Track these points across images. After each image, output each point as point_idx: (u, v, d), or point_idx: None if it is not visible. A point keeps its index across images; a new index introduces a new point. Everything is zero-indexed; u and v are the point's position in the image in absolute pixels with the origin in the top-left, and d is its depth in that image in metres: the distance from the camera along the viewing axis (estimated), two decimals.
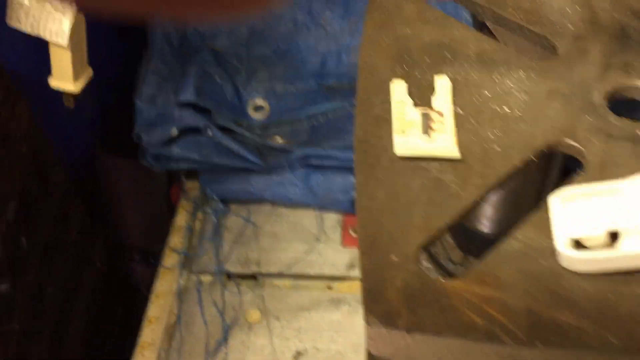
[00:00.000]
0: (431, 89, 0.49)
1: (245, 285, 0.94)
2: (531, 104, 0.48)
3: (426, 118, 0.47)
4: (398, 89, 0.49)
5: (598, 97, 0.48)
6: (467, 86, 0.50)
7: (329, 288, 0.91)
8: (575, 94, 0.49)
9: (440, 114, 0.47)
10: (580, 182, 0.43)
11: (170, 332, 0.85)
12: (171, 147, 1.15)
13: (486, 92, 0.49)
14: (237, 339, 0.84)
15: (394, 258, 0.41)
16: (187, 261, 0.98)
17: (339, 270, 1.03)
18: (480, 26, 0.57)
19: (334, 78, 1.27)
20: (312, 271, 1.01)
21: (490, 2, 0.56)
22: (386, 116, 0.48)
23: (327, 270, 1.00)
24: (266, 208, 1.15)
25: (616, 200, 0.40)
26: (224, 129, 1.16)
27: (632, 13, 0.54)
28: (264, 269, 0.97)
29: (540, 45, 0.53)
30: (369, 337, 0.40)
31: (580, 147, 0.45)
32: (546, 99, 0.49)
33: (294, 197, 1.14)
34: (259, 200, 1.15)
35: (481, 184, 0.44)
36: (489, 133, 0.47)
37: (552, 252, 0.40)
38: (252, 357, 0.82)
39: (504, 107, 0.48)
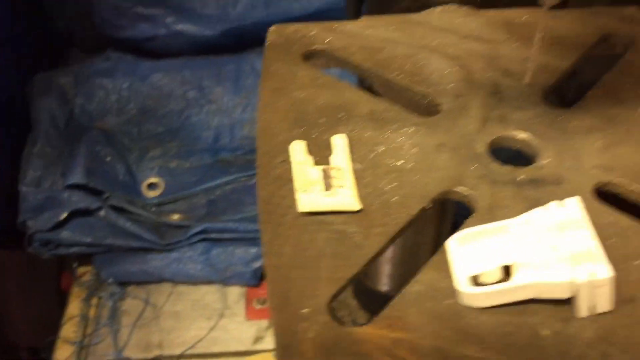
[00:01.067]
0: (329, 148, 0.52)
1: None
2: (422, 156, 0.51)
3: (326, 175, 0.49)
4: (297, 149, 0.51)
5: (480, 147, 0.52)
6: (362, 143, 0.52)
7: None
8: (460, 145, 0.52)
9: (340, 170, 0.49)
10: (472, 224, 0.46)
11: None
12: (60, 232, 1.10)
13: (380, 147, 0.52)
14: None
15: (306, 311, 0.41)
16: (83, 352, 0.92)
17: (245, 345, 1.01)
18: (368, 88, 0.60)
19: (228, 152, 1.28)
20: (216, 349, 0.99)
21: (377, 67, 0.60)
22: (288, 176, 0.49)
23: (233, 346, 0.98)
24: (166, 287, 1.12)
25: (506, 238, 0.43)
26: (118, 209, 1.13)
27: (503, 72, 0.59)
28: (166, 352, 0.94)
29: (426, 103, 0.57)
30: None
31: (469, 194, 0.49)
32: (435, 151, 0.52)
33: (194, 273, 1.12)
34: (158, 279, 1.11)
35: (383, 233, 0.46)
36: (386, 185, 0.49)
37: (453, 291, 0.42)
38: None
39: (398, 161, 0.51)
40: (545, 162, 0.51)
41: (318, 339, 0.40)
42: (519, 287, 0.40)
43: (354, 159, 0.51)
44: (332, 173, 0.49)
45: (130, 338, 1.00)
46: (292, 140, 0.52)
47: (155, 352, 0.94)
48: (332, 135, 0.53)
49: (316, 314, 0.41)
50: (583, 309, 0.40)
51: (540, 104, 0.56)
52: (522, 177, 0.50)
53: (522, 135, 0.53)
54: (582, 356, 0.39)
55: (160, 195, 1.22)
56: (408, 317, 0.41)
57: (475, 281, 0.41)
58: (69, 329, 1.00)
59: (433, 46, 0.61)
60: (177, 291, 1.13)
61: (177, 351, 1.00)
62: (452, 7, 0.67)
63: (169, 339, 1.02)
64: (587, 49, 0.61)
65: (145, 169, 1.25)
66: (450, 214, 0.73)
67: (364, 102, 0.56)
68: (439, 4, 0.66)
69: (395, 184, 0.49)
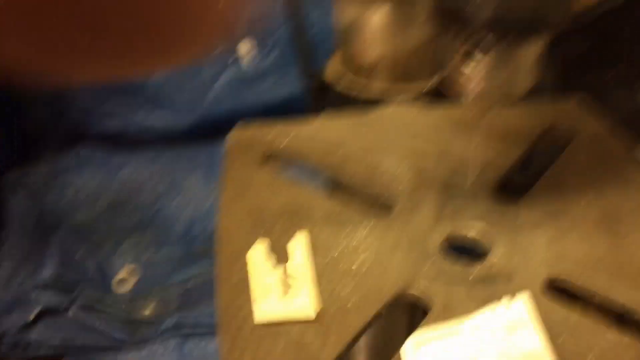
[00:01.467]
0: (286, 253, 0.53)
1: None
2: (376, 258, 0.53)
3: (283, 281, 0.50)
4: (255, 255, 0.52)
5: (433, 246, 0.54)
6: (319, 247, 0.54)
7: None
8: (414, 245, 0.54)
9: (297, 276, 0.50)
10: (427, 324, 0.47)
11: None
12: (29, 333, 1.08)
13: (336, 251, 0.53)
14: None
15: None
16: None
17: None
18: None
19: (201, 242, 1.28)
20: None
21: (332, 169, 0.62)
22: (246, 283, 0.50)
23: None
24: None
25: (458, 347, 0.43)
26: (87, 308, 1.12)
27: (453, 169, 0.61)
28: None
29: (379, 205, 0.59)
30: None
31: (423, 296, 0.50)
32: (389, 252, 0.53)
33: None
34: None
35: (338, 342, 0.46)
36: (342, 290, 0.50)
37: None
38: None
39: (353, 264, 0.52)
40: (496, 258, 0.53)
41: None
42: None
43: (311, 264, 0.52)
44: (290, 279, 0.50)
45: None
46: (250, 246, 0.53)
47: None
48: (290, 239, 0.54)
49: None
50: None
51: (489, 200, 0.58)
52: (473, 276, 0.51)
53: (472, 232, 0.55)
54: None
55: (132, 290, 1.21)
56: None
57: None
58: None
59: (384, 147, 0.64)
60: None
61: None
62: (404, 105, 0.71)
63: None
64: (532, 143, 0.64)
65: (116, 264, 1.24)
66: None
67: (320, 205, 0.58)
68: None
69: (350, 288, 0.50)
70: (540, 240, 0.54)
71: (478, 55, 0.50)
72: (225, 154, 0.64)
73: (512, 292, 0.49)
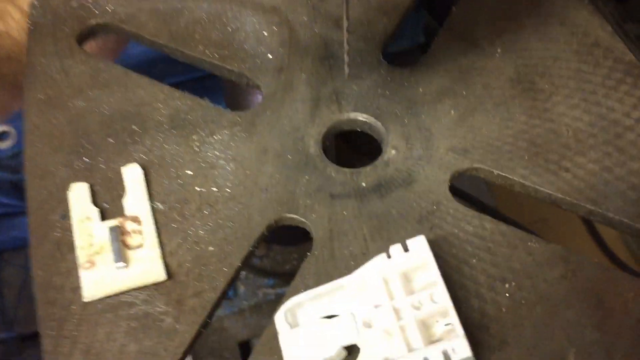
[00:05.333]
0: (121, 184, 0.40)
1: None
2: (242, 175, 0.41)
3: (117, 234, 0.37)
4: (78, 196, 0.39)
5: (314, 145, 0.42)
6: (164, 166, 0.41)
7: None
8: (288, 147, 0.42)
9: (137, 221, 0.38)
10: (311, 264, 0.37)
11: None
12: None
13: (188, 170, 0.41)
14: None
15: None
16: None
17: None
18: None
19: None
20: None
21: (175, 42, 0.46)
22: (70, 239, 0.38)
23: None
24: None
25: (348, 301, 0.34)
26: None
27: (333, 22, 0.47)
28: None
29: (245, 85, 0.45)
30: None
31: (304, 220, 0.39)
32: (258, 163, 0.41)
33: None
34: None
35: (199, 305, 0.36)
36: (199, 229, 0.39)
37: None
38: None
39: (212, 187, 0.40)
40: (392, 154, 0.41)
41: None
42: None
43: (155, 196, 0.40)
44: (128, 227, 0.38)
45: (18, 311, 0.91)
46: (72, 180, 0.40)
47: None
48: (124, 161, 0.41)
49: None
50: None
51: (379, 67, 0.45)
52: (365, 182, 0.40)
53: (360, 117, 0.43)
54: None
55: (15, 145, 1.07)
56: None
57: None
58: None
59: (241, 5, 0.48)
60: None
61: None
62: None
63: None
64: None
65: None
66: None
67: (163, 100, 0.44)
68: None
69: (210, 224, 0.39)
70: (445, 120, 0.43)
71: None
72: (29, 38, 0.47)
73: (414, 203, 0.39)
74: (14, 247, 1.00)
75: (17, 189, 1.00)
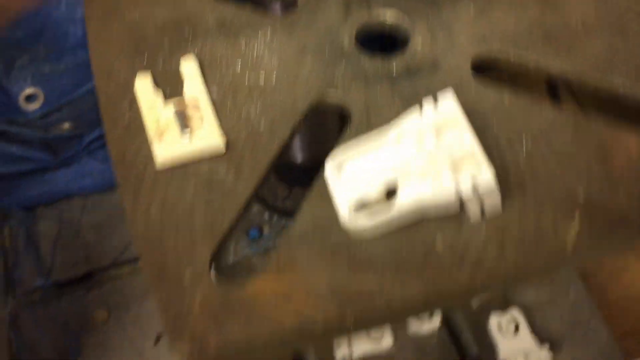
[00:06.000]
0: (179, 76, 0.45)
1: (82, 289, 0.87)
2: (284, 66, 0.46)
3: (181, 115, 0.43)
4: (143, 86, 0.45)
5: (347, 41, 0.47)
6: (216, 62, 0.46)
7: None
8: (324, 43, 0.47)
9: (196, 105, 0.44)
10: (350, 134, 0.42)
11: None
12: None
13: (237, 65, 0.46)
14: (90, 344, 0.80)
15: (187, 280, 0.38)
16: (9, 285, 0.89)
17: None
18: None
19: None
20: None
21: None
22: (138, 122, 0.43)
23: None
24: (77, 201, 1.06)
25: (384, 152, 0.39)
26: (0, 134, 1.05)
27: None
28: (95, 265, 0.90)
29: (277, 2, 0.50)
30: None
31: (343, 100, 0.44)
32: (298, 56, 0.46)
33: (101, 182, 1.06)
34: (65, 196, 1.06)
35: (254, 169, 0.41)
36: (250, 111, 0.44)
37: (339, 224, 0.39)
38: (111, 356, 0.79)
39: (259, 78, 0.45)
40: (419, 45, 0.46)
41: (206, 307, 0.37)
42: (406, 213, 0.37)
43: (209, 84, 0.45)
44: (188, 110, 0.43)
45: (55, 260, 0.96)
46: (135, 75, 0.45)
47: (84, 268, 0.91)
48: (180, 58, 0.46)
49: (200, 280, 0.38)
50: (475, 215, 0.38)
51: None
52: (395, 68, 0.45)
53: (389, 16, 0.48)
54: (480, 259, 0.37)
55: (43, 106, 1.12)
56: (298, 259, 0.38)
57: (360, 205, 0.38)
58: None
59: None
60: (90, 203, 1.08)
61: (106, 262, 0.97)
62: None
63: (95, 251, 0.98)
64: None
65: (18, 81, 1.13)
66: None
67: (209, 10, 0.49)
68: None
69: (260, 107, 0.44)
70: (464, 16, 0.47)
71: None
72: None
73: (439, 83, 0.44)
74: (47, 202, 1.06)
75: (48, 146, 1.06)
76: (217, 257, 0.39)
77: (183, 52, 0.47)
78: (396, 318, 0.39)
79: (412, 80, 0.44)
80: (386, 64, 0.46)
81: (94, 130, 1.06)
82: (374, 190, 0.38)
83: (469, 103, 0.43)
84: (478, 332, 0.77)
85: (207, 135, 0.42)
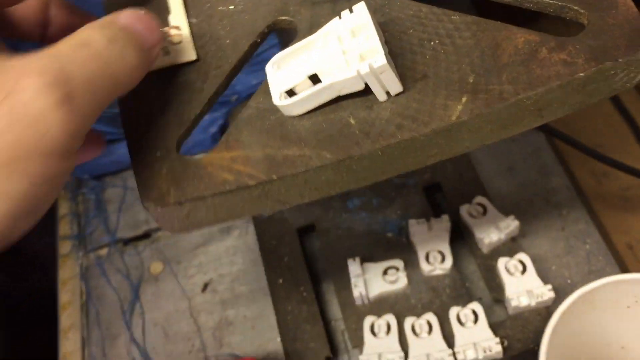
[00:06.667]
0: (166, 9, 0.57)
1: (141, 245, 1.00)
2: None
3: (166, 35, 0.55)
4: None
5: None
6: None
7: None
8: None
9: (178, 28, 0.55)
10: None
11: (86, 310, 0.92)
12: None
13: None
14: (147, 292, 0.92)
15: (158, 155, 0.49)
16: (81, 243, 1.03)
17: None
18: None
19: None
20: None
21: None
22: None
23: None
24: None
25: (311, 52, 0.49)
26: None
27: None
28: (153, 225, 1.04)
29: None
30: (156, 220, 0.49)
31: (292, 20, 0.54)
32: None
33: None
34: (129, 166, 1.20)
35: (219, 74, 0.52)
36: (220, 31, 0.55)
37: (276, 109, 0.49)
38: (165, 303, 0.90)
39: (229, 6, 0.56)
40: None
41: (170, 173, 0.48)
42: (322, 89, 0.47)
43: (190, 15, 0.57)
44: (172, 32, 0.55)
45: (119, 221, 1.10)
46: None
47: (144, 228, 1.04)
48: None
49: (168, 154, 0.49)
50: (380, 94, 0.47)
51: None
52: None
53: None
54: (382, 131, 0.47)
55: None
56: (242, 137, 0.49)
57: (290, 92, 0.48)
58: (64, 227, 1.10)
59: None
60: None
61: None
62: None
63: None
64: None
65: None
66: None
67: None
68: None
69: (228, 28, 0.55)
70: None
71: None
72: None
73: (372, 0, 0.53)
74: (113, 171, 1.20)
75: (112, 120, 1.21)
76: (182, 140, 0.50)
77: None
78: (314, 180, 0.48)
79: (351, 2, 0.54)
80: None
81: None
82: (299, 80, 0.48)
83: (394, 13, 0.52)
84: (488, 274, 0.84)
85: (185, 51, 0.54)
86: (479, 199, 0.85)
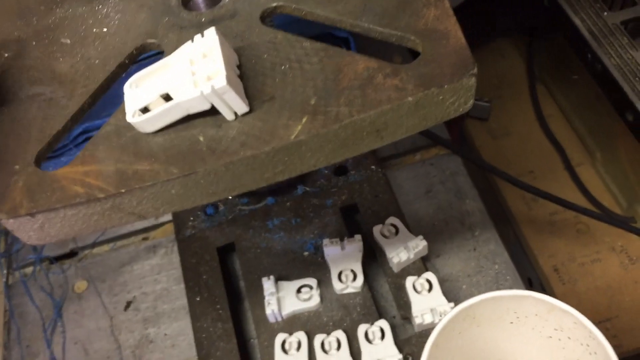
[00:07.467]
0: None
1: (67, 264, 0.99)
2: (123, 20, 0.60)
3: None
4: None
5: (175, 1, 0.61)
6: (74, 21, 0.60)
7: (145, 239, 0.99)
8: (158, 3, 0.61)
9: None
10: None
11: (8, 328, 0.91)
12: None
13: (89, 20, 0.60)
14: (69, 311, 0.92)
15: (17, 167, 0.51)
16: (7, 261, 1.03)
17: (151, 221, 1.10)
18: None
19: None
20: (125, 230, 1.04)
21: None
22: None
23: (140, 224, 1.06)
24: None
25: (166, 73, 0.52)
26: None
27: None
28: (80, 243, 1.04)
29: None
30: (11, 230, 0.51)
31: (160, 42, 0.58)
32: (135, 13, 0.60)
33: None
34: None
35: (84, 92, 0.55)
36: (92, 52, 0.58)
37: (132, 127, 0.52)
38: (87, 321, 0.91)
39: (103, 29, 0.59)
40: (228, 2, 0.60)
41: (25, 186, 0.50)
42: (169, 108, 0.50)
43: (64, 37, 0.59)
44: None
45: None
46: (16, 36, 0.60)
47: (71, 246, 1.02)
48: (51, 19, 0.61)
49: (25, 167, 0.51)
50: (227, 114, 0.51)
51: None
52: (204, 18, 0.58)
53: None
54: (227, 148, 0.50)
55: None
56: (97, 153, 0.51)
57: (143, 110, 0.51)
58: None
59: None
60: None
61: (90, 240, 1.10)
62: None
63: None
64: None
65: None
66: None
67: None
68: None
69: (99, 49, 0.58)
70: None
71: None
72: None
73: (234, 28, 0.57)
74: None
75: None
76: (43, 155, 0.52)
77: (54, 14, 0.61)
78: (164, 194, 0.51)
79: (215, 25, 0.57)
80: (199, 16, 0.59)
81: (80, 125, 1.21)
82: (152, 99, 0.51)
83: (253, 38, 0.56)
84: (397, 293, 0.87)
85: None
86: (392, 219, 0.88)
